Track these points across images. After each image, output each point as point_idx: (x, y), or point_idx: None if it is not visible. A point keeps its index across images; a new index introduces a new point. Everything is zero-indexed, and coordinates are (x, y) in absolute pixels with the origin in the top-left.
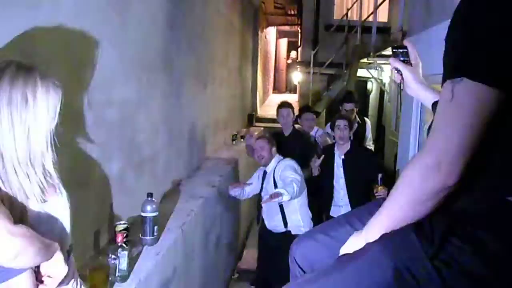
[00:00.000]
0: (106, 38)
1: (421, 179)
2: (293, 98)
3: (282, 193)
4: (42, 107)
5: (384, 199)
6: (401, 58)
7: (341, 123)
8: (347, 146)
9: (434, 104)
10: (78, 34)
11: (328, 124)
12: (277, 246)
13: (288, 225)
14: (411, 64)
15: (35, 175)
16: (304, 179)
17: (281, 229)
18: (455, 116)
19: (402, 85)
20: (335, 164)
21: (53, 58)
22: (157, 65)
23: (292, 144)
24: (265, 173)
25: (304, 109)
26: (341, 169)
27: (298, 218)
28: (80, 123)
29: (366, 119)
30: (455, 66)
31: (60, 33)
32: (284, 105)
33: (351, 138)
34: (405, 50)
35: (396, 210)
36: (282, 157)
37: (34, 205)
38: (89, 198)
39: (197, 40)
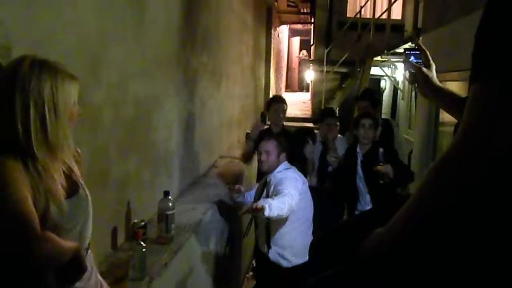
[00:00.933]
0: (123, 36)
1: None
2: (306, 97)
3: (264, 206)
4: (58, 100)
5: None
6: (414, 60)
7: (366, 122)
8: (368, 147)
9: (462, 103)
10: (96, 32)
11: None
12: (260, 268)
13: (271, 248)
14: (424, 66)
15: (56, 171)
16: (310, 200)
17: (265, 250)
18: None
19: (415, 87)
20: (357, 166)
21: (71, 55)
22: (172, 63)
23: None
24: (266, 182)
25: (325, 112)
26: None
27: (284, 244)
28: (97, 120)
29: (391, 119)
30: (488, 63)
31: (77, 31)
32: (278, 100)
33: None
34: (417, 52)
35: None
36: (289, 166)
37: (57, 202)
38: (106, 195)
39: (212, 38)
